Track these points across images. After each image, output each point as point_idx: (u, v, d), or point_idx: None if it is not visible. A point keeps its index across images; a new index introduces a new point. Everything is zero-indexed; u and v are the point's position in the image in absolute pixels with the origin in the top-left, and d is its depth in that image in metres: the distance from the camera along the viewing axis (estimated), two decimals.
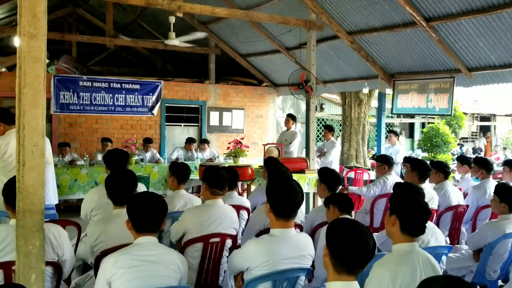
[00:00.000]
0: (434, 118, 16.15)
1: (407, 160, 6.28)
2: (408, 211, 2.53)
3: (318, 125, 15.23)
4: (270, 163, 4.78)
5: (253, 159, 10.17)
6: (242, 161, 8.83)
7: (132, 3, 6.48)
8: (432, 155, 10.46)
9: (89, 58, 13.41)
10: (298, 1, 7.93)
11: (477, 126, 21.58)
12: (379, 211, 5.58)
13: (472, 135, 21.52)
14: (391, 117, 15.95)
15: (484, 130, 20.84)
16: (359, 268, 1.94)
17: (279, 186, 2.82)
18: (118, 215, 3.09)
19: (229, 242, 3.50)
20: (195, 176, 8.23)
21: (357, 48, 8.40)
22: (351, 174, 8.87)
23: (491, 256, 3.77)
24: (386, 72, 8.81)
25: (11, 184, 2.73)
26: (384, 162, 5.75)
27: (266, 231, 3.73)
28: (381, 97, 9.17)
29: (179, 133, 11.01)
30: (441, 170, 5.12)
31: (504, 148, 17.16)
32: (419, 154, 11.35)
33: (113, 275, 2.37)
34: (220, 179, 3.51)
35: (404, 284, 2.33)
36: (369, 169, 9.57)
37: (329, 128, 8.86)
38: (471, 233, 4.42)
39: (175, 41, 7.20)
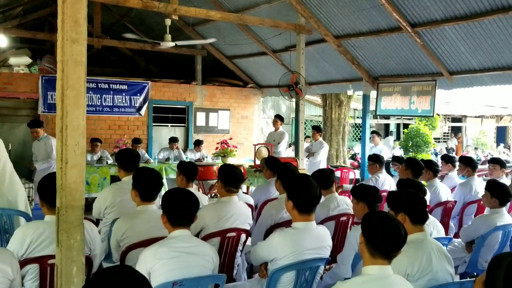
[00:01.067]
0: (411, 119, 16.71)
1: (398, 159, 6.59)
2: (413, 204, 2.83)
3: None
4: (272, 162, 4.97)
5: (240, 159, 10.34)
6: (230, 161, 9.00)
7: (129, 5, 6.58)
8: (413, 154, 10.91)
9: None
10: (287, 5, 8.16)
11: (448, 127, 22.33)
12: None
13: (444, 135, 22.26)
14: None
15: (455, 131, 21.59)
16: (392, 253, 2.16)
17: (299, 184, 3.00)
18: (143, 211, 3.24)
19: (243, 237, 3.67)
20: None
21: (343, 51, 8.69)
22: (337, 173, 9.15)
23: (483, 247, 4.05)
24: (370, 75, 9.13)
25: (47, 181, 2.83)
26: (375, 161, 6.04)
27: (276, 226, 3.95)
28: (366, 99, 9.49)
29: (166, 134, 11.08)
30: (431, 168, 5.43)
31: (476, 148, 17.85)
32: (402, 153, 11.76)
33: (153, 266, 2.53)
34: (236, 178, 3.69)
35: (421, 268, 2.59)
36: (354, 169, 9.89)
37: (317, 129, 9.14)
38: (463, 227, 4.72)
39: (171, 44, 7.30)
